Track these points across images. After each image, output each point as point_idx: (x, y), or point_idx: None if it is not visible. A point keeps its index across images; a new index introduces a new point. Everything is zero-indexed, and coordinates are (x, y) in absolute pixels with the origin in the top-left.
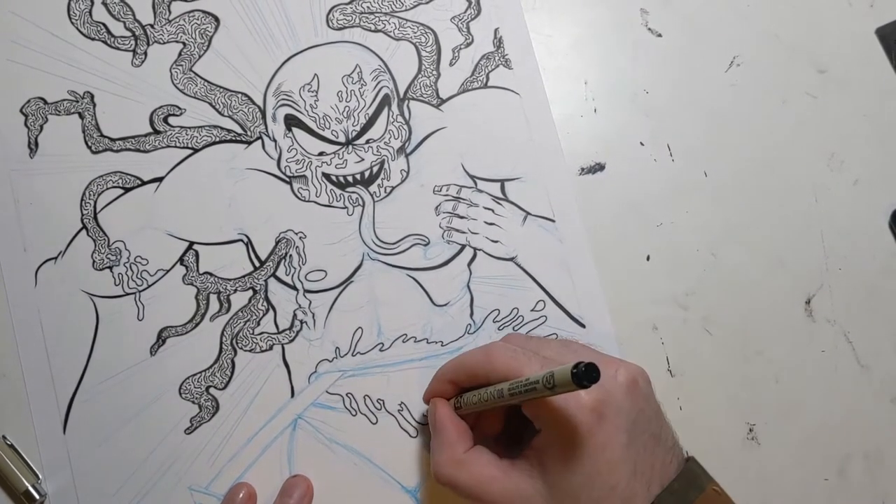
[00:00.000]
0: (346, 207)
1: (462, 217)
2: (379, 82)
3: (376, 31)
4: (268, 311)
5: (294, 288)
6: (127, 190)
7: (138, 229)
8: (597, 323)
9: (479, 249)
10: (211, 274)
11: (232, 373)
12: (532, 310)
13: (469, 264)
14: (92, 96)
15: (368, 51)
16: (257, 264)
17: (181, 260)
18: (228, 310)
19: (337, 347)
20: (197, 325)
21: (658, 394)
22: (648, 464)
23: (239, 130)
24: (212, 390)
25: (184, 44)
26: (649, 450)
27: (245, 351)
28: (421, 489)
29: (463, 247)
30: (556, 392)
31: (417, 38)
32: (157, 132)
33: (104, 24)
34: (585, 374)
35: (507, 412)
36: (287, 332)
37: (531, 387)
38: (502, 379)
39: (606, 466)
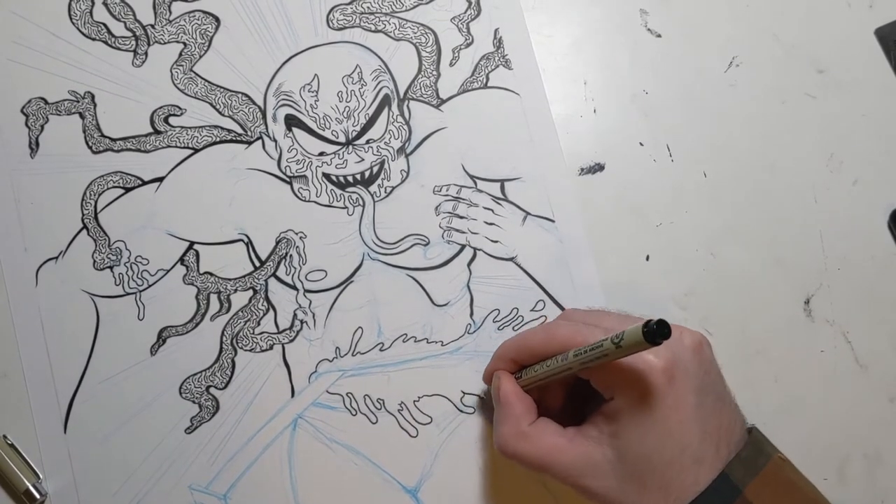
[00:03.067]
0: (346, 207)
1: (462, 217)
2: (379, 82)
3: (376, 31)
4: (268, 310)
5: (294, 288)
6: (127, 190)
7: (139, 229)
8: None
9: (479, 249)
10: (211, 274)
11: (232, 372)
12: (532, 310)
13: (469, 264)
14: (93, 96)
15: (369, 51)
16: (257, 264)
17: (181, 260)
18: (229, 310)
19: (337, 347)
20: (197, 324)
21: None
22: (715, 425)
23: (239, 130)
24: (212, 390)
25: (184, 44)
26: (716, 411)
27: (245, 351)
28: (421, 489)
29: (463, 247)
30: (625, 352)
31: (417, 39)
32: (157, 132)
33: (105, 25)
34: (658, 331)
35: (567, 388)
36: (287, 331)
37: (598, 347)
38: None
39: (678, 427)
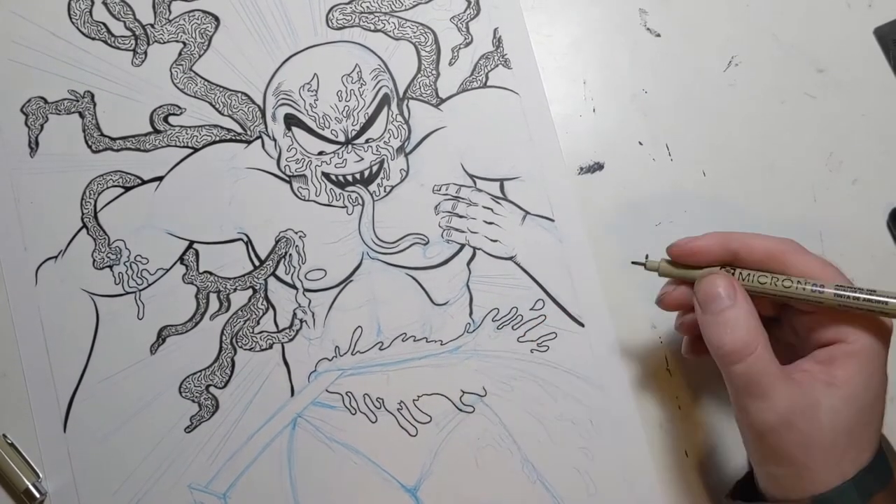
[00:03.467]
0: (345, 207)
1: (461, 216)
2: (378, 82)
3: (376, 30)
4: (267, 309)
5: (294, 287)
6: (127, 189)
7: (138, 228)
8: (596, 322)
9: (479, 248)
10: (211, 273)
11: (232, 371)
12: (531, 309)
13: (468, 263)
14: (92, 95)
15: (368, 50)
16: (257, 263)
17: (181, 259)
18: (228, 309)
19: (336, 346)
20: (197, 323)
21: (658, 393)
22: None
23: (239, 130)
24: (212, 389)
25: (184, 43)
26: None
27: (245, 350)
28: (420, 488)
29: (462, 246)
30: None
31: (417, 38)
32: (157, 131)
33: (104, 24)
34: None
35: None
36: (287, 330)
37: (880, 303)
38: (805, 275)
39: (885, 381)
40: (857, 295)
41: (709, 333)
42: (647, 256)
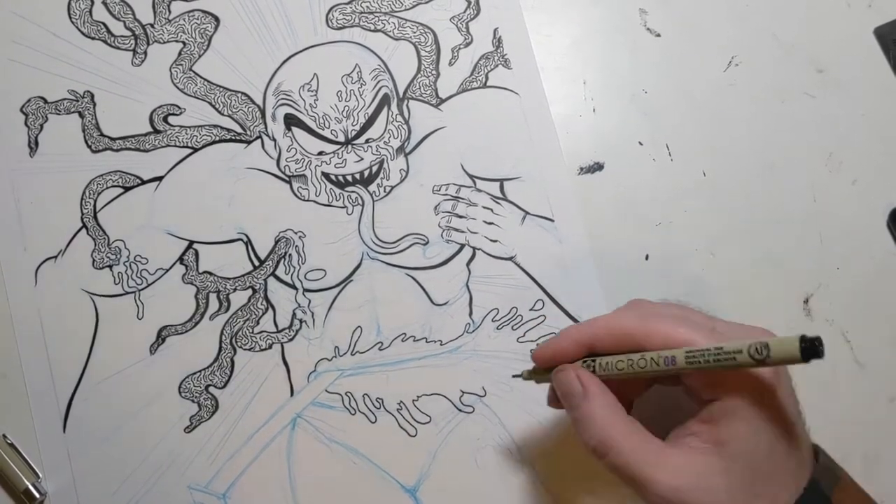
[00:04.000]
0: (345, 207)
1: (461, 216)
2: (378, 82)
3: (376, 30)
4: (267, 310)
5: (293, 287)
6: (127, 189)
7: (138, 228)
8: None
9: (478, 249)
10: (210, 273)
11: (231, 371)
12: (531, 309)
13: (468, 264)
14: (92, 95)
15: (368, 50)
16: (257, 263)
17: (181, 259)
18: (228, 309)
19: (336, 346)
20: (196, 323)
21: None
22: (804, 425)
23: (238, 130)
24: (211, 389)
25: (184, 43)
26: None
27: (244, 350)
28: (420, 488)
29: (462, 246)
30: (766, 364)
31: (417, 38)
32: (156, 131)
33: (104, 24)
34: (813, 350)
35: (646, 385)
36: (286, 331)
37: (728, 358)
38: (663, 346)
39: (786, 428)
40: (706, 358)
41: (576, 431)
42: (524, 372)
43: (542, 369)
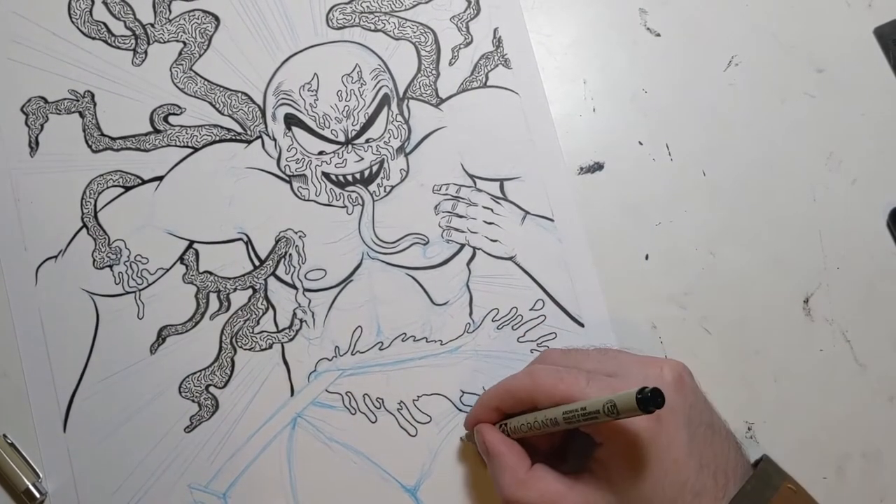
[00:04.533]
0: (345, 206)
1: (461, 216)
2: (378, 82)
3: (376, 30)
4: (267, 309)
5: (294, 287)
6: (127, 189)
7: (138, 228)
8: (595, 322)
9: (479, 248)
10: (211, 273)
11: (231, 371)
12: (531, 309)
13: (468, 263)
14: (92, 95)
15: (368, 50)
16: (257, 263)
17: (181, 259)
18: (228, 308)
19: (336, 346)
20: (197, 323)
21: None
22: (710, 455)
23: (239, 129)
24: (211, 389)
25: (184, 43)
26: (707, 441)
27: (245, 349)
28: (420, 488)
29: (462, 246)
30: (621, 418)
31: (417, 38)
32: (157, 131)
33: (104, 24)
34: (651, 400)
35: (557, 433)
36: (287, 330)
37: (591, 415)
38: (549, 402)
39: (674, 466)
40: (577, 416)
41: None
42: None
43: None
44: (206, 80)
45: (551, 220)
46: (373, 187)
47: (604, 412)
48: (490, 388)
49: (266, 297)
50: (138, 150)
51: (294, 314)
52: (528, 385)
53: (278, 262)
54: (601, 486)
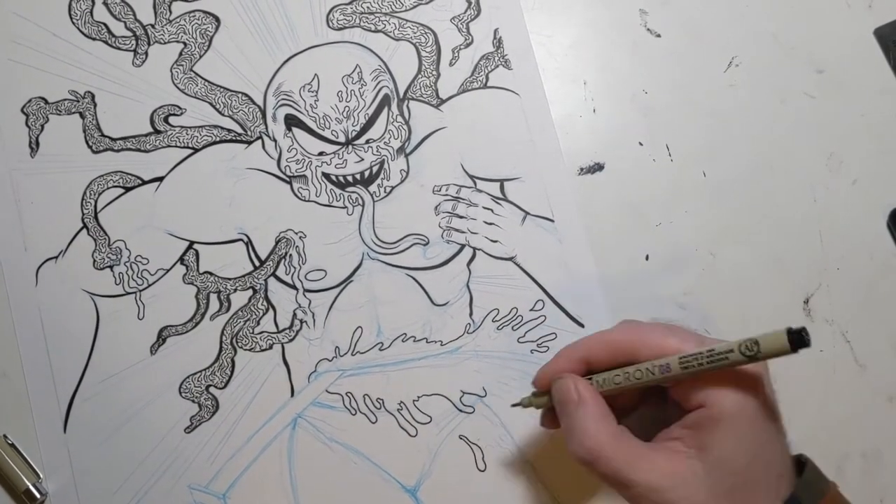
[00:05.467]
0: (345, 207)
1: (461, 217)
2: (379, 82)
3: (376, 31)
4: (267, 310)
5: (294, 287)
6: (127, 189)
7: (139, 229)
8: (596, 323)
9: (479, 249)
10: (211, 273)
11: (232, 372)
12: (531, 309)
13: (468, 264)
14: (93, 96)
15: (368, 51)
16: (257, 264)
17: (181, 259)
18: (228, 309)
19: (336, 347)
20: (197, 324)
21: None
22: (785, 441)
23: (239, 130)
24: (212, 389)
25: (184, 44)
26: (782, 430)
27: (245, 350)
28: (420, 488)
29: (462, 246)
30: (757, 360)
31: (417, 39)
32: (157, 132)
33: (105, 24)
34: (803, 338)
35: (638, 395)
36: (287, 331)
37: (720, 359)
38: (655, 355)
39: (770, 440)
40: (699, 360)
41: (566, 439)
42: (522, 400)
43: (542, 392)
44: (206, 80)
45: (551, 220)
46: (373, 188)
47: (741, 351)
48: (573, 343)
49: (266, 298)
50: (139, 150)
51: (294, 315)
52: (630, 338)
53: (278, 262)
54: (690, 455)
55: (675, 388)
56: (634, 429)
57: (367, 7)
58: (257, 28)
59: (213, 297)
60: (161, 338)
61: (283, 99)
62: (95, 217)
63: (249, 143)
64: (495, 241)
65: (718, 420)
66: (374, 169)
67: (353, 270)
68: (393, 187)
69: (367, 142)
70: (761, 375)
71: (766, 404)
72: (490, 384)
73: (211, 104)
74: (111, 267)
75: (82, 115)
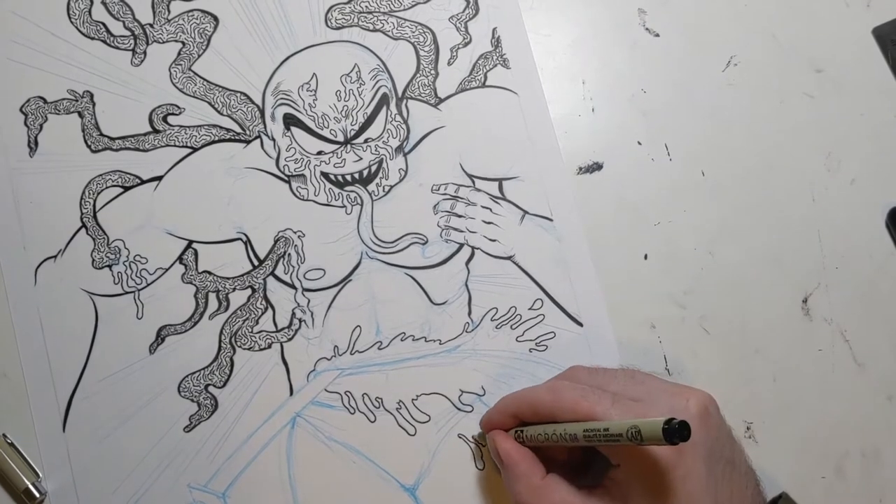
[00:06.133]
0: (344, 206)
1: (460, 216)
2: (377, 82)
3: (375, 30)
4: (266, 309)
5: (293, 286)
6: (126, 189)
7: (137, 228)
8: (594, 322)
9: (477, 248)
10: (210, 272)
11: (231, 371)
12: (530, 308)
13: (467, 263)
14: (91, 95)
15: (367, 50)
16: (256, 263)
17: (180, 258)
18: (227, 308)
19: (335, 346)
20: (196, 323)
21: None
22: (727, 492)
23: (238, 129)
24: (211, 388)
25: (183, 43)
26: (726, 477)
27: (244, 349)
28: (419, 487)
29: (461, 245)
30: (643, 444)
31: (416, 38)
32: (156, 131)
33: (103, 24)
34: (677, 432)
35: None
36: (286, 330)
37: (613, 437)
38: (570, 419)
39: (688, 499)
40: (598, 436)
41: None
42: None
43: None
44: (204, 80)
45: (550, 219)
46: (372, 187)
47: (627, 436)
48: (509, 394)
49: (265, 297)
50: (137, 150)
51: (293, 314)
52: (549, 400)
53: (277, 261)
54: None
55: (599, 448)
56: (579, 466)
57: (366, 6)
58: (256, 27)
59: (212, 296)
60: (160, 337)
61: (282, 98)
62: (94, 216)
63: (248, 142)
64: (494, 240)
65: (631, 480)
66: (373, 168)
67: (351, 269)
68: (391, 186)
69: (366, 141)
70: (682, 451)
71: (687, 462)
72: (489, 383)
73: (209, 103)
74: (110, 266)
75: (81, 115)
